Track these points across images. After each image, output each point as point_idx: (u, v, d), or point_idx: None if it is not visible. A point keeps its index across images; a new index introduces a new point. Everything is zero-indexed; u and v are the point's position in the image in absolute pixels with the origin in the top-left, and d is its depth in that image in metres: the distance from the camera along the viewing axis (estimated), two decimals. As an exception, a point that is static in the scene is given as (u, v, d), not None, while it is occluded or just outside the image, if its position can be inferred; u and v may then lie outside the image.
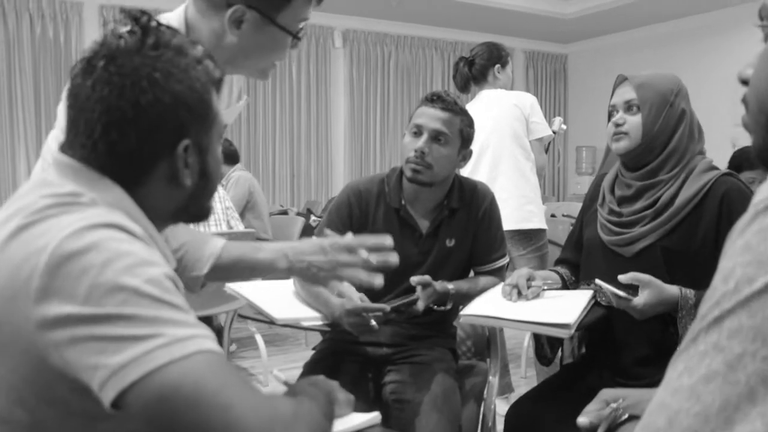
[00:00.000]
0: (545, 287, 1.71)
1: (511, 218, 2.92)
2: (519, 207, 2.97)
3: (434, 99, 1.87)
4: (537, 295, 1.70)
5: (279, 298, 1.83)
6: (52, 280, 0.73)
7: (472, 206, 1.96)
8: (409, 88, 8.99)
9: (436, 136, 1.84)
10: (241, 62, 1.43)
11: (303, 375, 1.85)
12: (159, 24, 0.92)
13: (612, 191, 1.78)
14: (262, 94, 8.08)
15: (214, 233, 3.50)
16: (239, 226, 3.84)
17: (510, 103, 3.06)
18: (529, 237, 2.99)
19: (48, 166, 0.92)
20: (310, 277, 1.34)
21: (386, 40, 8.82)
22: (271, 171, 8.23)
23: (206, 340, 0.75)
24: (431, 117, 1.85)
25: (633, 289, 1.52)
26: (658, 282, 1.50)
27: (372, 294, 1.88)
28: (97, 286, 0.72)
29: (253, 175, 8.00)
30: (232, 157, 4.43)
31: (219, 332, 3.96)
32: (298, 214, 6.47)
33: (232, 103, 1.68)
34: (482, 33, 9.08)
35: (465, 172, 3.10)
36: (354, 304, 1.67)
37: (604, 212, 1.76)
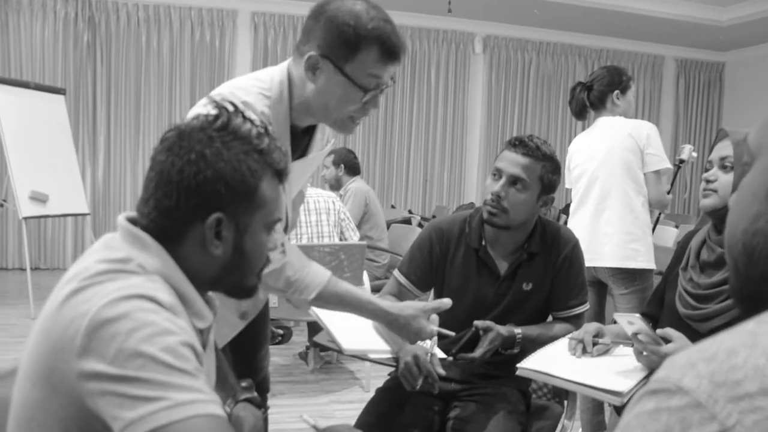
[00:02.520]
0: (612, 345, 1.68)
1: (615, 255, 2.82)
2: (623, 244, 2.83)
3: (516, 144, 1.89)
4: (604, 352, 1.68)
5: (354, 328, 1.91)
6: (90, 341, 0.89)
7: (552, 251, 1.97)
8: (549, 96, 8.83)
9: (513, 181, 1.86)
10: (318, 111, 1.54)
11: (373, 400, 1.95)
12: (239, 113, 1.07)
13: (698, 255, 1.71)
14: (399, 99, 8.29)
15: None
16: (353, 237, 4.00)
17: (624, 132, 2.90)
18: (632, 276, 2.83)
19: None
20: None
21: (527, 47, 8.71)
22: (405, 175, 8.42)
23: (208, 404, 0.87)
24: (511, 162, 1.88)
25: None
26: (689, 342, 1.49)
27: (447, 328, 1.95)
28: (122, 351, 0.87)
29: (387, 178, 8.29)
30: (353, 169, 4.61)
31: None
32: (423, 218, 6.59)
33: (323, 146, 1.80)
34: (629, 40, 8.75)
35: (573, 204, 3.03)
36: (424, 360, 1.71)
37: (684, 279, 1.70)
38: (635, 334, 1.52)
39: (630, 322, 1.52)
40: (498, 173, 1.89)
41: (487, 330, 1.80)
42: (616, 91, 3.00)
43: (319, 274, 1.59)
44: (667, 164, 2.93)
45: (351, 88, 1.45)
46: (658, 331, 1.52)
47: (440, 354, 1.79)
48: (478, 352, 1.77)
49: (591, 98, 3.04)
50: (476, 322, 1.80)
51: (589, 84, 3.06)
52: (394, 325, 1.62)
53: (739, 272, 0.61)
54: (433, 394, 1.93)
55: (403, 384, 1.95)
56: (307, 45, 1.47)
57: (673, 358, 0.51)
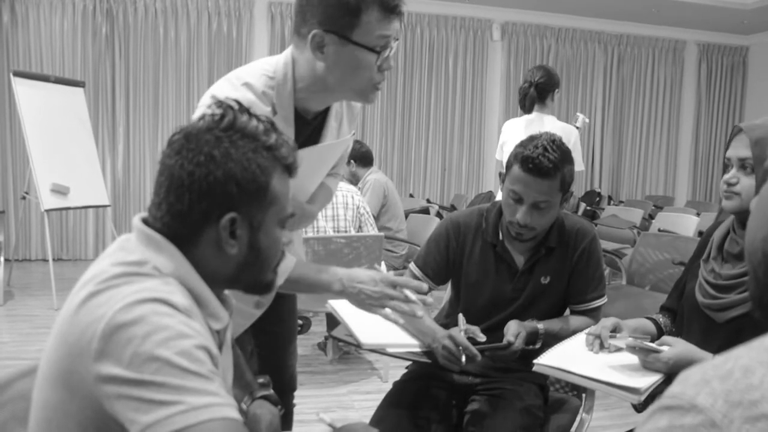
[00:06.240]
0: (630, 340, 1.67)
1: None
2: None
3: (531, 167, 1.77)
4: (621, 348, 1.66)
5: (374, 322, 1.90)
6: (106, 345, 0.89)
7: (570, 245, 1.95)
8: (569, 82, 8.73)
9: (536, 205, 1.82)
10: (336, 87, 1.53)
11: (391, 393, 1.95)
12: (245, 111, 1.06)
13: (720, 247, 1.69)
14: (417, 87, 8.24)
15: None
16: (371, 232, 4.00)
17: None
18: None
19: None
20: (359, 302, 1.54)
21: (546, 33, 8.62)
22: (423, 164, 8.39)
23: (223, 407, 0.88)
24: (530, 188, 1.79)
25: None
26: (690, 345, 1.51)
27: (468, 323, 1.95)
28: (138, 355, 0.87)
29: (405, 167, 8.27)
30: (364, 160, 4.59)
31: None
32: (442, 207, 6.57)
33: (341, 135, 1.78)
34: (650, 25, 8.63)
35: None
36: (460, 336, 1.76)
37: (705, 270, 1.68)
38: (631, 348, 1.54)
39: (620, 337, 1.60)
40: (518, 198, 1.82)
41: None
42: (556, 89, 3.65)
43: (286, 262, 1.55)
44: (582, 167, 3.58)
45: (364, 54, 1.44)
46: (657, 342, 1.55)
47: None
48: (513, 340, 1.79)
49: (533, 94, 3.65)
50: (508, 338, 1.79)
51: (537, 82, 3.64)
52: (348, 296, 1.54)
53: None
54: (452, 387, 1.94)
55: (424, 374, 1.97)
56: (306, 25, 1.46)
57: (687, 373, 0.50)
